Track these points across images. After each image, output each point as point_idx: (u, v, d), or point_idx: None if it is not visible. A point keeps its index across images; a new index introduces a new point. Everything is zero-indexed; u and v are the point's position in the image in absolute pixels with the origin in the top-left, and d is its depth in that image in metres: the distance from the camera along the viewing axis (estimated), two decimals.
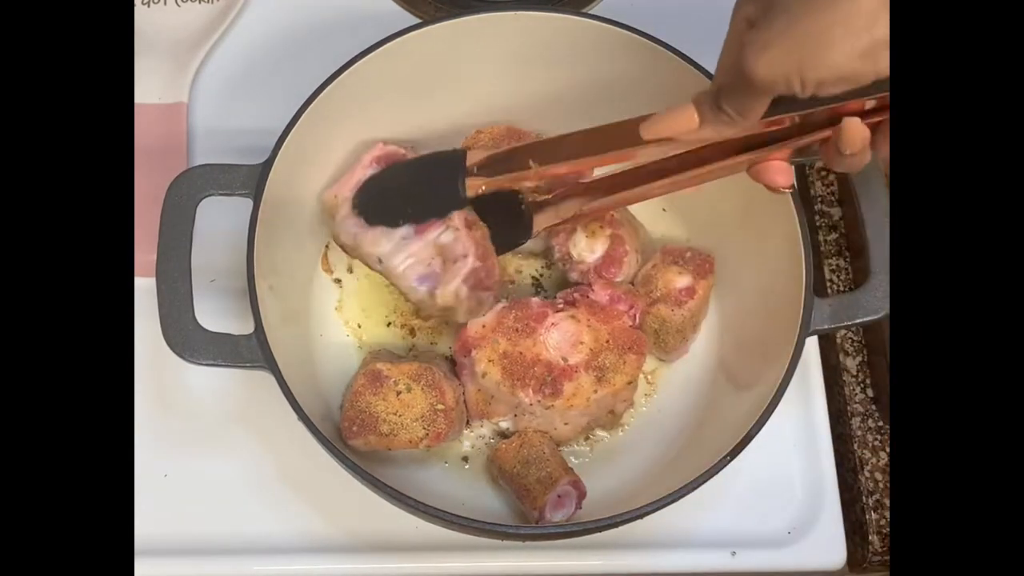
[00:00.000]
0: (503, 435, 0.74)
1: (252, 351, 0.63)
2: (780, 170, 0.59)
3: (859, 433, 0.77)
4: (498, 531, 0.64)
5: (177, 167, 0.76)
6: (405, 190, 0.68)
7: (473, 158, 0.65)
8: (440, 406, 0.69)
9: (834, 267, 0.83)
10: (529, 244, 0.78)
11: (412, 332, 0.77)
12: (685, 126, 0.55)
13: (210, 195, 0.67)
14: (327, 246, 0.79)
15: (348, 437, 0.69)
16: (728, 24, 0.52)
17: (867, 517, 0.75)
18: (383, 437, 0.68)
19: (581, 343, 0.69)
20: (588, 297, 0.71)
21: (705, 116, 0.54)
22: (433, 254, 0.66)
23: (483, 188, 0.65)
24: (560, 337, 0.70)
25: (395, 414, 0.69)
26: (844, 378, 0.80)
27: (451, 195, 0.65)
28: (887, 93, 0.48)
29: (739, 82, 0.50)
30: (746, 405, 0.66)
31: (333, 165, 0.76)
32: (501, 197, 0.67)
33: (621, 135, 0.59)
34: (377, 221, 0.67)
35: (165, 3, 0.88)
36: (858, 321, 0.67)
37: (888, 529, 0.74)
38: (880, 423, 0.78)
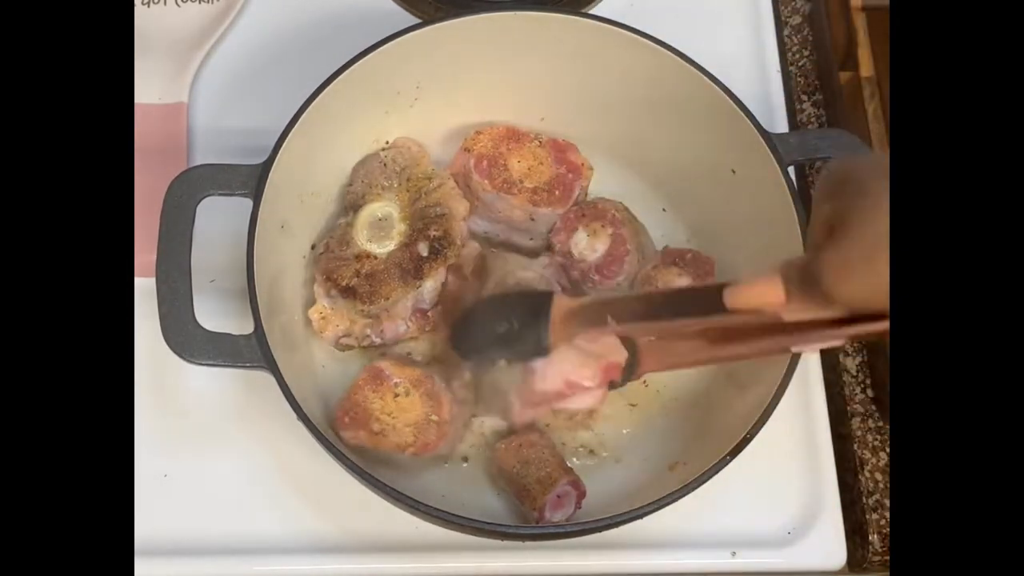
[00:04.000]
0: (503, 435, 0.74)
1: (252, 351, 0.63)
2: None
3: (859, 433, 0.77)
4: (498, 531, 0.64)
5: (177, 167, 0.76)
6: (493, 327, 0.67)
7: (559, 307, 0.63)
8: (434, 417, 0.69)
9: None
10: (530, 244, 0.79)
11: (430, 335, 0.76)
12: (772, 299, 0.51)
13: (210, 195, 0.67)
14: None
15: (339, 427, 0.69)
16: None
17: (867, 517, 0.75)
18: (372, 435, 0.68)
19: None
20: None
21: (792, 293, 0.50)
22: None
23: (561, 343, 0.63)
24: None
25: (389, 415, 0.69)
26: (844, 378, 0.80)
27: (536, 342, 0.64)
28: None
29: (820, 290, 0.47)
30: (746, 405, 0.66)
31: (333, 165, 0.76)
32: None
33: (704, 300, 0.55)
34: (468, 357, 0.69)
35: (165, 3, 0.88)
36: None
37: (888, 529, 0.74)
38: (880, 423, 0.78)
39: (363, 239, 0.74)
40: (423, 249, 0.73)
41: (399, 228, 0.74)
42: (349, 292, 0.72)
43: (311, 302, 0.74)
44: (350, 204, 0.76)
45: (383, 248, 0.74)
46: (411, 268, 0.72)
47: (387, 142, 0.78)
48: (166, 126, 0.83)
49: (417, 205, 0.75)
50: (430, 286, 0.73)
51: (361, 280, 0.72)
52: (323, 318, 0.73)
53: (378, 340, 0.73)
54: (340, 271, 0.72)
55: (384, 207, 0.75)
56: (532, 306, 0.65)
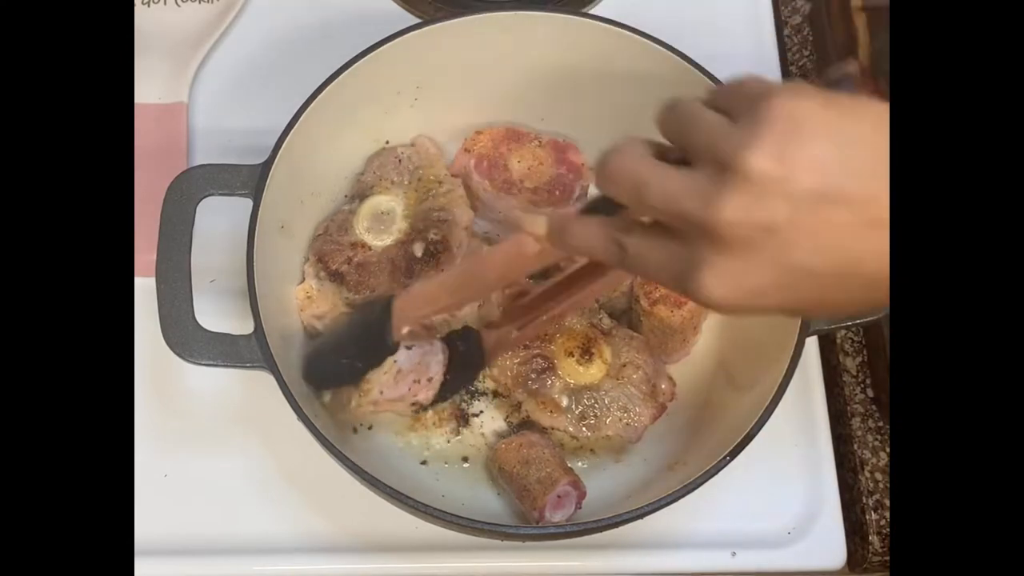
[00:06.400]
0: (503, 435, 0.74)
1: (252, 351, 0.63)
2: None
3: (859, 433, 0.77)
4: (498, 531, 0.64)
5: (177, 167, 0.76)
6: (342, 350, 0.69)
7: (398, 308, 0.66)
8: None
9: None
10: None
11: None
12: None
13: (210, 195, 0.67)
14: None
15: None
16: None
17: (867, 517, 0.75)
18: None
19: None
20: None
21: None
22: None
23: (405, 331, 0.66)
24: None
25: None
26: (844, 378, 0.80)
27: (381, 344, 0.66)
28: None
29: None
30: (746, 405, 0.66)
31: (333, 165, 0.76)
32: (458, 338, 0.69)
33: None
34: (325, 387, 0.69)
35: (165, 3, 0.88)
36: (858, 321, 0.67)
37: (888, 529, 0.74)
38: (880, 423, 0.78)
39: (362, 228, 0.74)
40: (418, 250, 0.73)
41: (400, 225, 0.74)
42: (337, 277, 0.72)
43: None
44: (357, 192, 0.76)
45: (380, 241, 0.74)
46: (403, 266, 0.72)
47: (387, 141, 0.78)
48: (166, 126, 0.83)
49: (422, 206, 0.75)
50: None
51: (351, 268, 0.72)
52: (308, 297, 0.73)
53: None
54: (333, 255, 0.73)
55: (389, 201, 0.75)
56: (371, 314, 0.67)
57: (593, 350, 0.72)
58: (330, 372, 0.69)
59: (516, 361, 0.72)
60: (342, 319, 0.72)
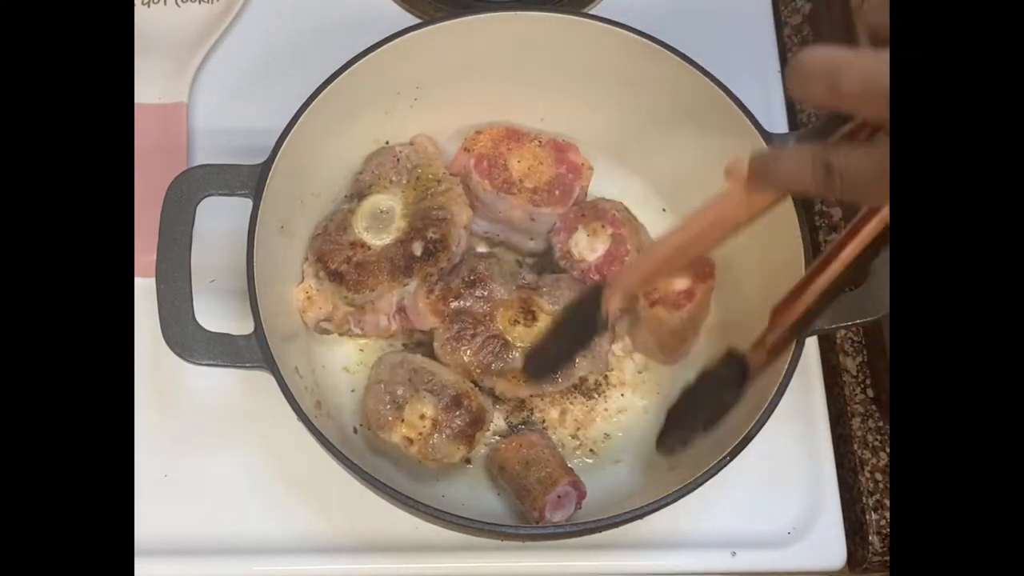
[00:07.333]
0: (503, 435, 0.74)
1: (252, 351, 0.64)
2: None
3: (859, 433, 0.77)
4: (498, 531, 0.64)
5: (177, 167, 0.76)
6: (557, 340, 0.67)
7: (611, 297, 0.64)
8: None
9: None
10: (530, 244, 0.79)
11: (411, 333, 0.76)
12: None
13: (210, 195, 0.67)
14: None
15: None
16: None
17: (867, 517, 0.75)
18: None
19: None
20: None
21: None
22: None
23: (615, 307, 0.64)
24: None
25: None
26: (844, 378, 0.80)
27: (591, 324, 0.64)
28: None
29: None
30: (746, 405, 0.66)
31: (333, 165, 0.76)
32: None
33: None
34: (545, 378, 0.71)
35: (165, 3, 0.88)
36: (858, 321, 0.67)
37: (888, 529, 0.74)
38: (880, 423, 0.78)
39: (361, 228, 0.74)
40: (417, 249, 0.73)
41: (398, 224, 0.74)
42: (337, 276, 0.72)
43: None
44: (356, 192, 0.76)
45: (379, 240, 0.74)
46: (402, 265, 0.72)
47: (387, 141, 0.78)
48: (166, 126, 0.83)
49: (421, 205, 0.75)
50: (417, 287, 0.73)
51: (351, 267, 0.72)
52: (308, 298, 0.73)
53: (358, 331, 0.74)
54: (332, 255, 0.73)
55: (388, 200, 0.75)
56: (573, 312, 0.66)
57: (533, 308, 0.72)
58: (547, 362, 0.68)
59: (470, 353, 0.72)
60: (557, 315, 0.71)
